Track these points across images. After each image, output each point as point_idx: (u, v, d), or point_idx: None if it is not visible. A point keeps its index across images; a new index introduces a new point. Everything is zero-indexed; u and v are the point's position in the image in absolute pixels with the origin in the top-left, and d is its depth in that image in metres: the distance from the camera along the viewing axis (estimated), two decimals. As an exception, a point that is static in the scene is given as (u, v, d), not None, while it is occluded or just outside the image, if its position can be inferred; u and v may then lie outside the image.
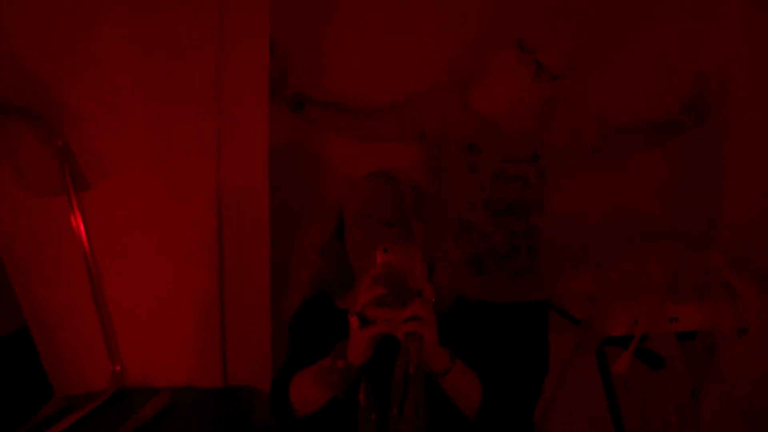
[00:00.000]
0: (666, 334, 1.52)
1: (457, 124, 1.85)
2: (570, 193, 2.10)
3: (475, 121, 1.84)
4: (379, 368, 1.09)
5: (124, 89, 1.56)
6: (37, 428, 1.45)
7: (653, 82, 2.10)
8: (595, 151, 2.00)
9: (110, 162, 1.58)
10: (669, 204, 2.20)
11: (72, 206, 1.56)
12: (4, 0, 1.45)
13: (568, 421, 2.13)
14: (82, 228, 1.57)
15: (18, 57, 1.48)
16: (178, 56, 1.56)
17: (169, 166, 1.60)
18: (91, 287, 1.60)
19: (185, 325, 1.66)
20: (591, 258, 2.04)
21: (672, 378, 1.61)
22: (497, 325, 1.71)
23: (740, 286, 1.59)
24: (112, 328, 1.64)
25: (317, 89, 1.90)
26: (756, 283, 1.60)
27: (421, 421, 1.06)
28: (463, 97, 1.86)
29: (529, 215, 1.88)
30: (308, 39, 1.92)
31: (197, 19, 1.55)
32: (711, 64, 2.05)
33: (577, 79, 1.93)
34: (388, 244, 1.05)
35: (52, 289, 1.61)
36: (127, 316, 1.65)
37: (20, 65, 1.48)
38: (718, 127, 2.06)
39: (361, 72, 1.96)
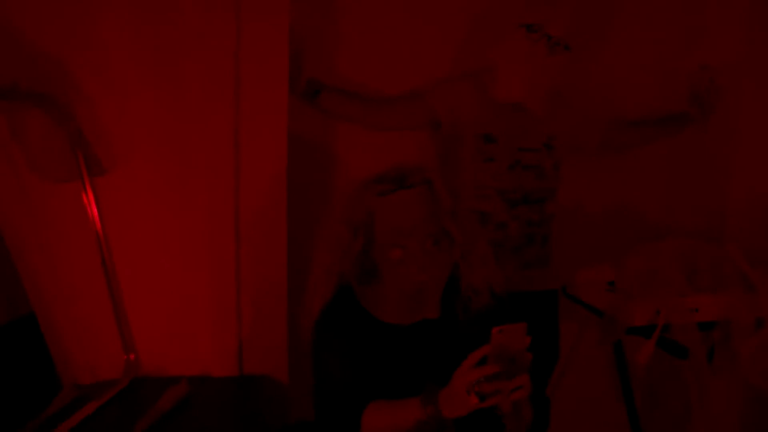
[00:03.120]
0: (687, 325, 1.54)
1: (471, 113, 1.83)
2: (577, 185, 2.10)
3: (489, 110, 1.83)
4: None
5: (140, 74, 1.52)
6: (53, 418, 1.42)
7: (660, 75, 2.11)
8: (603, 143, 2.01)
9: (127, 148, 1.54)
10: (674, 197, 2.22)
11: (86, 190, 1.52)
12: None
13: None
14: (95, 213, 1.54)
15: (30, 41, 1.43)
16: (196, 41, 1.51)
17: (186, 152, 1.56)
18: (105, 274, 1.56)
19: (201, 312, 1.63)
20: (598, 249, 2.03)
21: (692, 368, 1.64)
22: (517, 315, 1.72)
23: (757, 278, 1.62)
24: (125, 316, 1.60)
25: (330, 78, 1.87)
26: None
27: None
28: (478, 86, 1.85)
29: (544, 204, 1.89)
30: (322, 26, 1.89)
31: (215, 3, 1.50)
32: (717, 56, 2.06)
33: (584, 73, 1.94)
34: (503, 325, 1.09)
35: (62, 275, 1.56)
36: (141, 303, 1.61)
37: (32, 49, 1.44)
38: (726, 120, 2.09)
39: (375, 61, 1.93)
